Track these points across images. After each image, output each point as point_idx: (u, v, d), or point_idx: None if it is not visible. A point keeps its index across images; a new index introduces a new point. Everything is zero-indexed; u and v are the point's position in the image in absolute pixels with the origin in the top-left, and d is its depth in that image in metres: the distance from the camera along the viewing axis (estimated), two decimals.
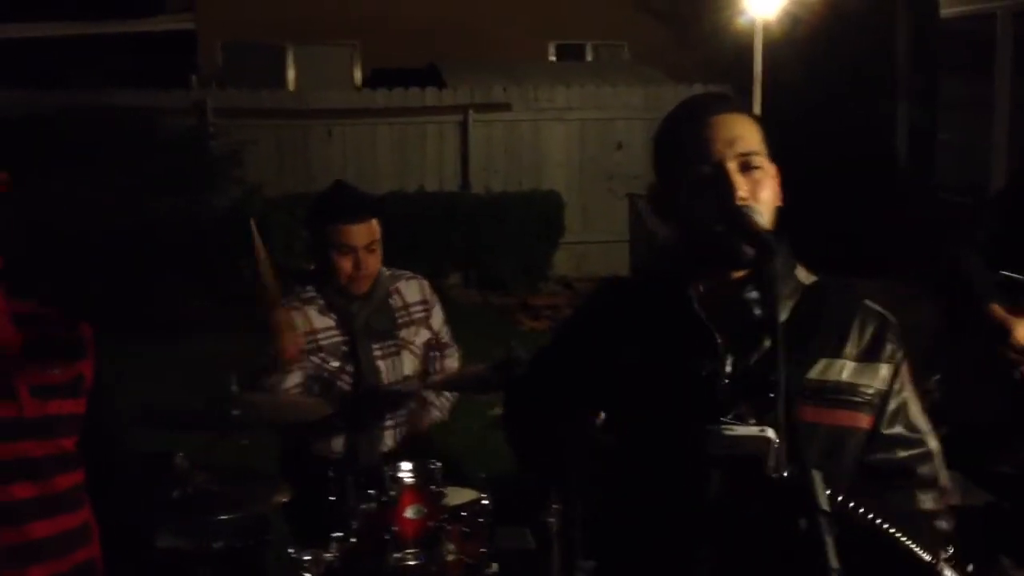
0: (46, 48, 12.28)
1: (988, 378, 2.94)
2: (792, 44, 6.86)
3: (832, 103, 8.93)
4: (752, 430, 1.66)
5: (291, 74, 14.03)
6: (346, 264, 3.26)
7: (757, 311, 1.77)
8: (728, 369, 1.77)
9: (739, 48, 9.30)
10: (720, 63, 11.21)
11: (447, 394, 3.59)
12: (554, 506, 2.77)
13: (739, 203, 1.74)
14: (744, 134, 1.80)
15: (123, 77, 10.30)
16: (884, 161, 7.54)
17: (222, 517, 2.69)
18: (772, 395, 1.60)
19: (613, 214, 11.21)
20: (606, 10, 14.03)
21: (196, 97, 10.89)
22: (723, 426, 1.68)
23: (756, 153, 1.79)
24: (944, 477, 1.90)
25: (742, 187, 1.75)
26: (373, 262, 3.30)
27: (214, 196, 9.55)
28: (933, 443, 1.90)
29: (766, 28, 8.40)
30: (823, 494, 1.54)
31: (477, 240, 10.54)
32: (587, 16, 14.15)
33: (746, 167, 1.77)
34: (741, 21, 8.96)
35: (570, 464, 1.89)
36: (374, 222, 3.30)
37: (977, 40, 7.94)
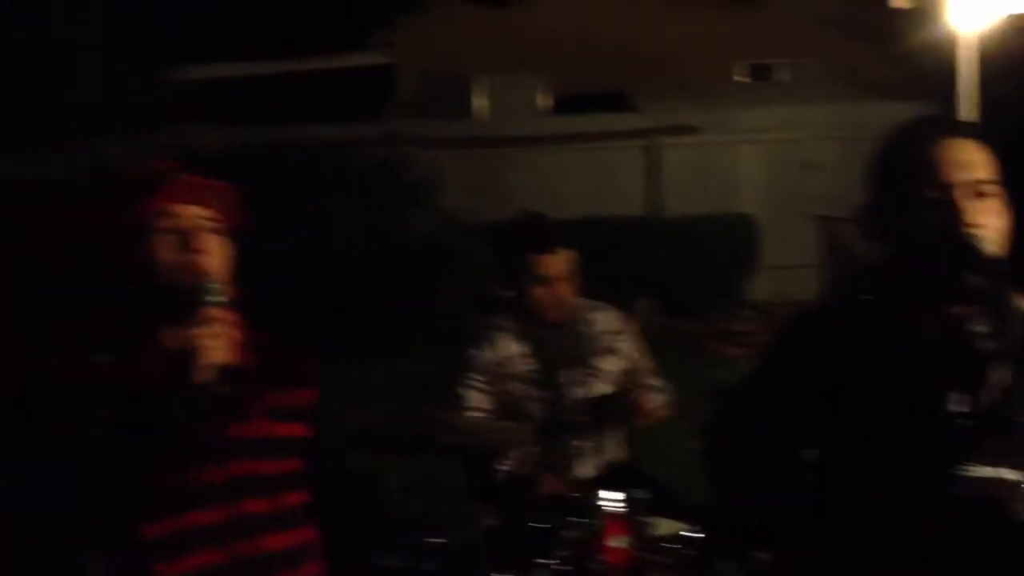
0: (252, 85, 12.99)
1: None
2: (1002, 59, 6.47)
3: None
4: (997, 472, 1.58)
5: (481, 103, 14.32)
6: (542, 294, 3.28)
7: (989, 345, 1.64)
8: (965, 407, 1.65)
9: (940, 64, 8.88)
10: (919, 79, 10.74)
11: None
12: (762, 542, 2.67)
13: (968, 231, 1.64)
14: (977, 160, 1.70)
15: (323, 111, 10.76)
16: None
17: (434, 539, 2.72)
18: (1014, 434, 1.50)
19: (808, 237, 10.88)
20: (797, 28, 13.68)
21: (390, 128, 11.25)
22: (966, 467, 1.59)
23: (989, 181, 1.69)
24: None
25: (973, 214, 1.65)
26: (568, 292, 3.32)
27: (408, 224, 9.82)
28: None
29: (975, 42, 7.98)
30: None
31: (667, 265, 10.42)
32: (778, 35, 13.84)
33: (978, 194, 1.68)
34: (941, 35, 8.56)
35: (781, 503, 1.81)
36: (569, 252, 3.32)
37: None
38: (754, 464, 1.88)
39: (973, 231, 1.64)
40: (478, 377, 3.37)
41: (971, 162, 1.70)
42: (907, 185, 1.71)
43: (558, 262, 3.27)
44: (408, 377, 7.45)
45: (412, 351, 8.26)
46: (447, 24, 14.14)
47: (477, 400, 3.36)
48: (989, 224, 1.67)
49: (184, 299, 1.78)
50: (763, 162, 11.26)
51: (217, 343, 1.75)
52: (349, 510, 2.16)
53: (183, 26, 9.24)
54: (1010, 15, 7.69)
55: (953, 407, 1.66)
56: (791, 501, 1.81)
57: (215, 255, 1.85)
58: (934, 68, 9.35)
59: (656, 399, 3.51)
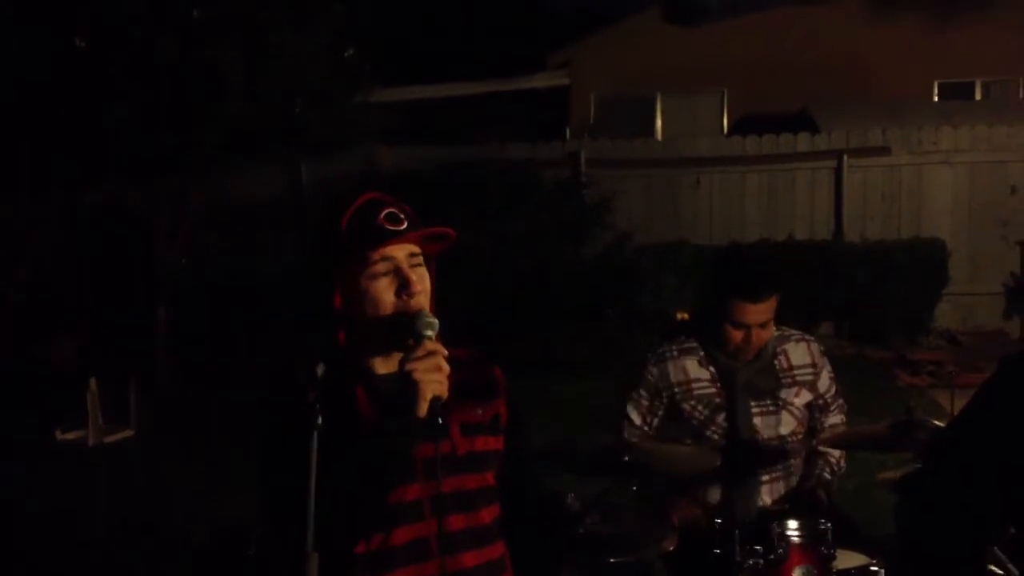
0: (442, 107, 13.38)
1: None
2: None
3: None
4: None
5: (660, 123, 14.27)
6: (738, 337, 3.19)
7: None
8: None
9: None
10: None
11: (836, 451, 3.44)
12: None
13: None
14: None
15: (508, 131, 10.96)
16: None
17: (614, 559, 2.73)
18: None
19: (1004, 264, 10.32)
20: (997, 43, 13.02)
21: (570, 148, 11.34)
22: None
23: None
24: None
25: None
26: (764, 336, 3.22)
27: (586, 243, 9.87)
28: None
29: None
30: None
31: (852, 290, 10.08)
32: (976, 51, 13.20)
33: None
34: None
35: None
36: (774, 299, 3.17)
37: None
38: (949, 550, 1.77)
39: None
40: (646, 395, 3.36)
41: None
42: None
43: (760, 311, 3.14)
44: (586, 395, 7.49)
45: (588, 370, 8.29)
46: (629, 45, 14.15)
47: (641, 419, 3.35)
48: None
49: (403, 334, 1.86)
50: (959, 184, 10.73)
51: (436, 376, 1.81)
52: (538, 527, 2.20)
53: (370, 49, 9.60)
54: None
55: None
56: None
57: (425, 291, 1.94)
58: None
59: (837, 429, 3.41)
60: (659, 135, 13.92)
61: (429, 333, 1.84)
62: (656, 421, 3.37)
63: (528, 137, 11.23)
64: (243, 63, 8.12)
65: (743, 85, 13.68)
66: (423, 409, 1.79)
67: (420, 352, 1.81)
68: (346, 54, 9.36)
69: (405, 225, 1.93)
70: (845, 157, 10.77)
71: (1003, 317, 10.41)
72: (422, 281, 1.93)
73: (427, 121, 12.22)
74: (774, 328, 3.27)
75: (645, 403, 3.36)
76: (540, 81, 14.67)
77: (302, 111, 8.98)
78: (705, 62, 13.69)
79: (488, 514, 2.01)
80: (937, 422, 3.09)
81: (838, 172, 10.84)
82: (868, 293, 10.03)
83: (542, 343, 8.82)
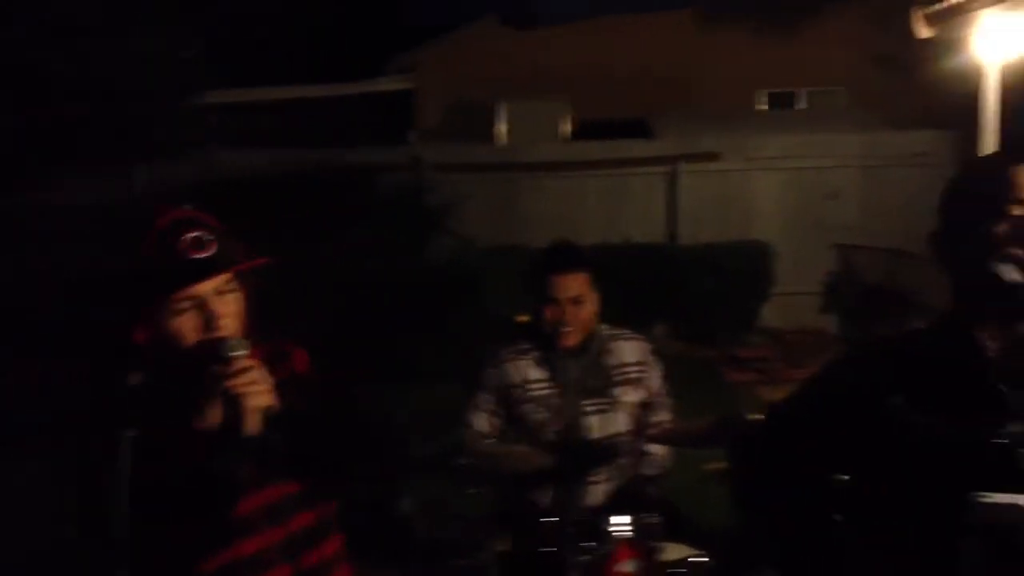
0: (275, 109, 13.14)
1: None
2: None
3: None
4: (1013, 498, 1.59)
5: (503, 128, 14.42)
6: (551, 315, 3.28)
7: None
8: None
9: (964, 94, 8.87)
10: (943, 109, 10.74)
11: (660, 448, 3.56)
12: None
13: None
14: None
15: (347, 136, 10.88)
16: None
17: (447, 561, 2.76)
18: None
19: (825, 265, 10.88)
20: (821, 56, 13.72)
21: (413, 153, 11.35)
22: (981, 495, 1.62)
23: None
24: None
25: None
26: (579, 315, 3.30)
27: (430, 248, 9.89)
28: None
29: (999, 73, 7.97)
30: None
31: (684, 292, 10.44)
32: (800, 63, 13.88)
33: None
34: (967, 65, 8.54)
35: (796, 529, 1.84)
36: (581, 276, 3.30)
37: None
38: (786, 484, 1.90)
39: None
40: (488, 399, 3.41)
41: None
42: (981, 210, 1.72)
43: (572, 282, 3.27)
44: (427, 401, 7.49)
45: (433, 376, 8.30)
46: (473, 50, 14.27)
47: (485, 423, 3.40)
48: None
49: (210, 361, 1.80)
50: (784, 190, 11.28)
51: (257, 388, 1.79)
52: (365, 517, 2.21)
53: (208, 50, 9.35)
54: None
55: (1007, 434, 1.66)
56: (817, 525, 1.84)
57: (232, 316, 1.89)
58: (959, 99, 9.33)
59: (664, 427, 3.53)
60: (502, 140, 14.08)
61: (238, 353, 1.80)
62: (497, 423, 3.42)
63: (372, 141, 11.18)
64: (64, 64, 7.77)
65: (584, 92, 13.97)
66: (254, 423, 1.76)
67: (233, 368, 1.78)
68: (182, 54, 9.09)
69: (213, 251, 1.86)
70: (679, 163, 11.15)
71: (820, 312, 10.95)
72: (230, 306, 1.89)
73: (271, 124, 12.01)
74: (593, 313, 3.36)
75: (486, 406, 3.41)
76: (385, 85, 14.62)
77: (134, 113, 8.67)
78: (547, 69, 13.92)
79: (325, 510, 2.02)
80: (758, 416, 3.24)
81: (673, 177, 11.22)
82: (700, 294, 10.42)
83: (387, 350, 8.77)
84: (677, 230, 11.15)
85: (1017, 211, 1.70)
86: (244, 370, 1.79)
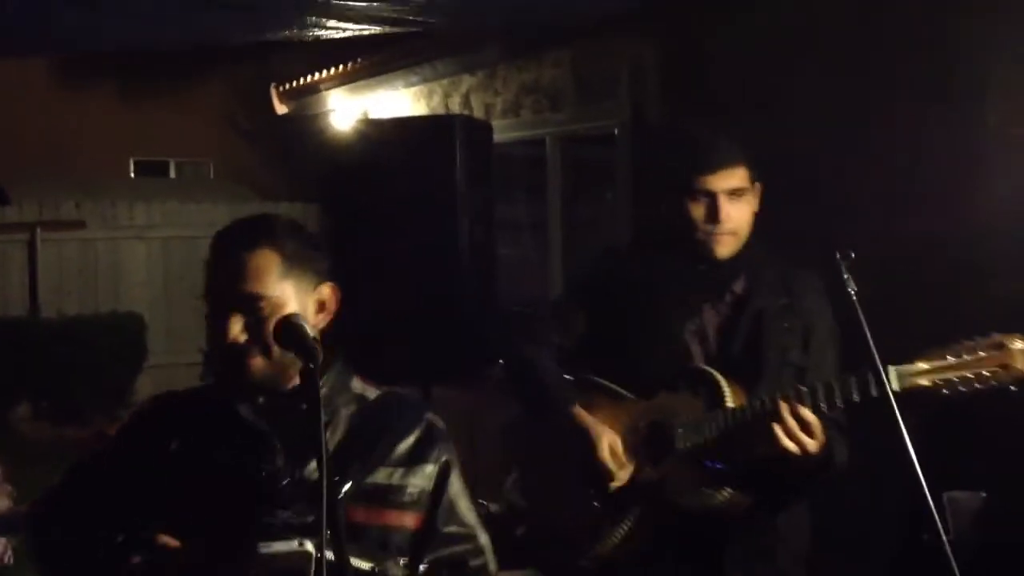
0: None
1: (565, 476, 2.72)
2: (365, 164, 6.94)
3: (399, 221, 9.01)
4: (290, 545, 1.65)
5: None
6: None
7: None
8: (284, 475, 1.79)
9: (326, 167, 9.44)
10: (307, 181, 11.36)
11: None
12: None
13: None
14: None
15: None
16: (449, 275, 7.50)
17: None
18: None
19: (200, 333, 10.85)
20: (190, 128, 13.84)
21: None
22: (261, 544, 1.65)
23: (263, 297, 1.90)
24: (494, 567, 2.01)
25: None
26: None
27: None
28: (483, 538, 2.00)
29: (339, 145, 8.60)
30: None
31: (50, 368, 9.73)
32: (170, 133, 13.88)
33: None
34: (325, 140, 9.15)
35: None
36: None
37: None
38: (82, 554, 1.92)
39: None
40: None
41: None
42: None
43: None
44: None
45: None
46: None
47: None
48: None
49: None
50: (155, 259, 11.06)
51: None
52: None
53: None
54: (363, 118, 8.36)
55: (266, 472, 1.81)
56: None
57: None
58: (321, 172, 9.90)
59: None
60: None
61: None
62: None
63: None
64: None
65: None
66: None
67: None
68: None
69: None
70: (38, 230, 10.44)
71: (200, 381, 10.89)
72: None
73: None
74: None
75: None
76: None
77: None
78: None
79: None
80: None
81: (32, 246, 10.47)
82: (67, 370, 9.77)
83: None
84: (38, 302, 10.38)
85: None
86: None
